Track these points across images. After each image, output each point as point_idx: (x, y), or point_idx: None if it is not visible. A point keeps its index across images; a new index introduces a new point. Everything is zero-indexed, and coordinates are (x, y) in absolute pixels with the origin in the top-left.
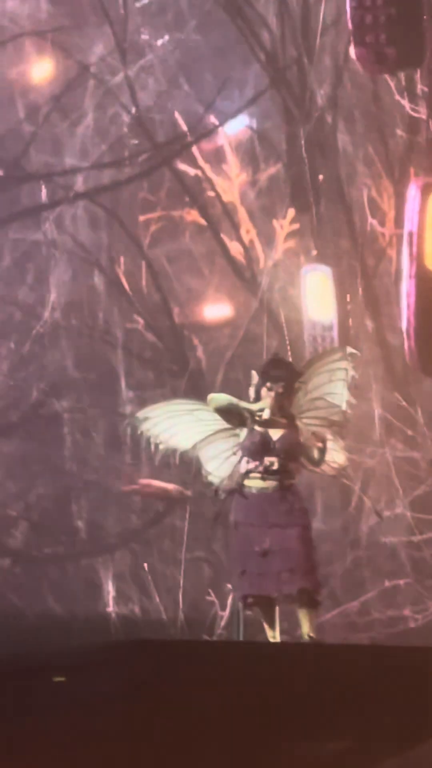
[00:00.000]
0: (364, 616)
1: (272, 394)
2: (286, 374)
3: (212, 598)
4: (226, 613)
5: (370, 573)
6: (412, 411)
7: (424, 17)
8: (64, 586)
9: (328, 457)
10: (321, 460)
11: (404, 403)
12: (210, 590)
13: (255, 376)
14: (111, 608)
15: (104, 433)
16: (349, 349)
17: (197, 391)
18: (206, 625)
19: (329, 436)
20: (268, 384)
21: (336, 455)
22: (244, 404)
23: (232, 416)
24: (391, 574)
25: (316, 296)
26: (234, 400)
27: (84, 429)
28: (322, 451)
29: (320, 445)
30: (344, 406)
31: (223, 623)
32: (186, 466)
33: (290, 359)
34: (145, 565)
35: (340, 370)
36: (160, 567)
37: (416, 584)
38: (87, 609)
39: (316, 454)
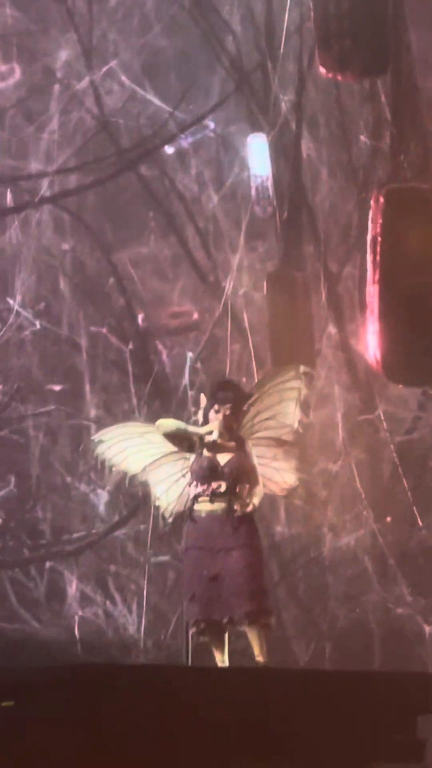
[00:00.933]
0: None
1: (220, 416)
2: (233, 396)
3: (175, 602)
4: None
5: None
6: (374, 416)
7: (389, 23)
8: (28, 590)
9: (278, 477)
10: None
11: (367, 407)
12: (173, 593)
13: (203, 400)
14: (74, 611)
15: (69, 436)
16: (302, 368)
17: (161, 395)
18: (169, 630)
19: (280, 456)
20: (216, 406)
21: (286, 475)
22: (192, 428)
23: (181, 441)
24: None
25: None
26: (182, 424)
27: (48, 432)
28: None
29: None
30: (295, 425)
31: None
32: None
33: (254, 364)
34: (110, 568)
35: (292, 390)
36: (123, 571)
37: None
38: (51, 612)
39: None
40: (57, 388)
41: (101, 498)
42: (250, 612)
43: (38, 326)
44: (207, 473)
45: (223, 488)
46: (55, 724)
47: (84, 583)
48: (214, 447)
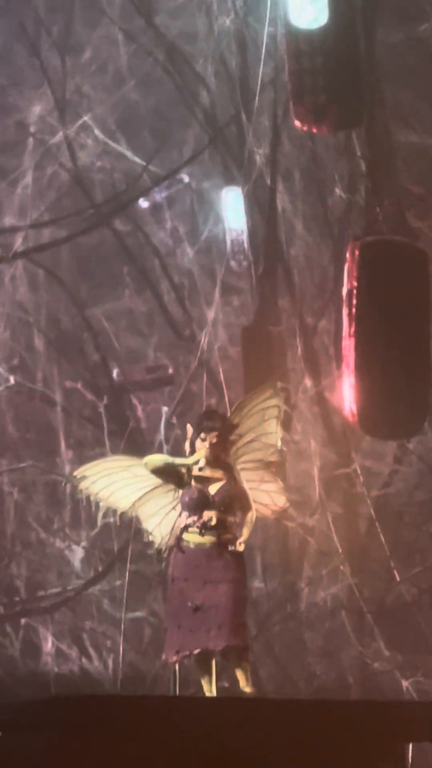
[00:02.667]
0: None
1: (206, 444)
2: (220, 425)
3: (151, 657)
4: (168, 674)
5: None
6: (351, 470)
7: (363, 77)
8: (3, 646)
9: (267, 500)
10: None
11: (343, 461)
12: (150, 650)
13: (190, 430)
14: (50, 668)
15: (43, 492)
16: (279, 384)
17: (137, 451)
18: (147, 685)
19: (267, 478)
20: (202, 435)
21: (276, 497)
22: (179, 460)
23: (170, 476)
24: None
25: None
26: (169, 458)
27: (23, 488)
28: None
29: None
30: (279, 444)
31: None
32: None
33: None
34: (85, 625)
35: (273, 408)
36: (99, 627)
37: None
38: (26, 669)
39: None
40: (31, 443)
41: (76, 554)
42: (230, 646)
43: (12, 381)
44: (197, 504)
45: (213, 521)
46: (42, 755)
47: (59, 639)
48: (203, 478)
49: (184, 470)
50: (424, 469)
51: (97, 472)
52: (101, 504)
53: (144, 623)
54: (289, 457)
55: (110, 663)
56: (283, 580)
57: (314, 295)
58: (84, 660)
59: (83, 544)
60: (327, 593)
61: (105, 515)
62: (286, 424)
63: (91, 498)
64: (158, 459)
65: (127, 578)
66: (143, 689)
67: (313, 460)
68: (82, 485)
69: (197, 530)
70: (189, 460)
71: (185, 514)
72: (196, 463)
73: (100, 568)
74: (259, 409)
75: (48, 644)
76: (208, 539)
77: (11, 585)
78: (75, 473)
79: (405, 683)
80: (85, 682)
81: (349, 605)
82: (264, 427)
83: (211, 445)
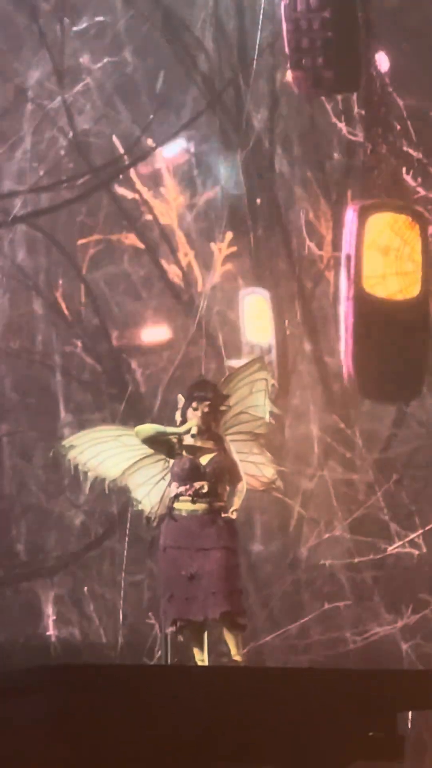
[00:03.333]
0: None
1: (198, 413)
2: (211, 394)
3: (152, 620)
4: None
5: (309, 595)
6: (350, 433)
7: (361, 41)
8: (4, 609)
9: (256, 471)
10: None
11: (342, 425)
12: (150, 613)
13: (181, 399)
14: (51, 632)
15: (43, 456)
16: (267, 358)
17: (136, 414)
18: (146, 648)
19: (255, 450)
20: (194, 404)
21: (264, 469)
22: (171, 429)
23: (161, 445)
24: (330, 596)
25: (254, 319)
26: (161, 427)
27: (23, 452)
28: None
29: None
30: (267, 417)
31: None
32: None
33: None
34: (85, 588)
35: (260, 381)
36: (99, 590)
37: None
38: (27, 633)
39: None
40: (30, 407)
41: (76, 518)
42: (225, 613)
43: (12, 346)
44: (189, 474)
45: (206, 489)
46: (35, 725)
47: (59, 602)
48: (194, 448)
49: (175, 440)
50: (423, 432)
51: (86, 442)
52: (89, 474)
53: (144, 586)
54: (288, 420)
55: (110, 625)
56: (282, 543)
57: (313, 259)
58: (84, 622)
59: (83, 507)
60: (326, 556)
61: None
62: (273, 398)
63: (80, 468)
64: (149, 428)
65: (126, 541)
66: (143, 651)
67: (312, 424)
68: (70, 455)
69: (189, 498)
70: (181, 429)
71: (175, 484)
72: (188, 431)
73: (100, 532)
74: (246, 382)
75: (48, 607)
76: (200, 506)
77: (11, 548)
78: (63, 442)
79: (404, 645)
80: (85, 645)
81: (348, 568)
82: (252, 399)
83: (203, 414)
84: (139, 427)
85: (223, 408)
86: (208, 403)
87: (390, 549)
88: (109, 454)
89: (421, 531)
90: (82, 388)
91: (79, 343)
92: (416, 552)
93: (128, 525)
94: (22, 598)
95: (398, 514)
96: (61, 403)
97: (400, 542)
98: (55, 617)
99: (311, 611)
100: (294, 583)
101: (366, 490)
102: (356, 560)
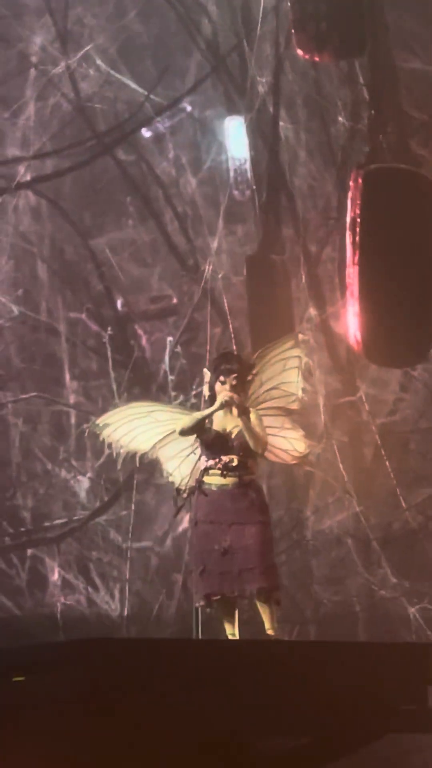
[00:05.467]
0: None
1: (227, 386)
2: (237, 366)
3: (159, 589)
4: (174, 604)
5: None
6: (355, 399)
7: (365, 4)
8: (10, 576)
9: (288, 445)
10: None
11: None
12: (156, 580)
13: (207, 374)
14: (57, 598)
15: (48, 423)
16: (301, 336)
17: (141, 380)
18: (153, 617)
19: (287, 425)
20: (221, 378)
21: (296, 443)
22: (206, 411)
23: (199, 430)
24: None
25: None
26: (197, 414)
27: (28, 419)
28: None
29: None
30: (300, 394)
31: (172, 615)
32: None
33: (234, 348)
34: (93, 554)
35: (294, 358)
36: (105, 557)
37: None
38: (33, 600)
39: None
40: (36, 374)
41: (82, 484)
42: (262, 588)
43: (16, 313)
44: (218, 447)
45: (235, 462)
46: (65, 697)
47: (66, 570)
48: (223, 421)
49: (208, 421)
50: (429, 396)
51: (119, 420)
52: (122, 450)
53: (150, 553)
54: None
55: (117, 593)
56: (289, 509)
57: (318, 224)
58: (90, 590)
59: (89, 474)
60: (333, 521)
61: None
62: (307, 375)
63: (113, 445)
64: (187, 420)
65: (133, 508)
66: (149, 619)
67: (318, 389)
68: (105, 433)
69: (219, 472)
70: (213, 409)
71: (204, 457)
72: (222, 404)
73: (105, 498)
74: (280, 359)
75: (54, 575)
76: (230, 480)
77: (17, 516)
78: (97, 421)
79: (411, 610)
80: (91, 612)
81: (355, 533)
82: (284, 376)
83: (232, 387)
84: (180, 427)
85: (249, 378)
86: (235, 375)
87: (397, 513)
88: (141, 430)
89: (427, 495)
90: (87, 355)
91: (85, 310)
92: (422, 516)
93: (134, 492)
94: (28, 565)
95: (405, 479)
96: (66, 370)
97: (407, 505)
98: (60, 584)
99: (318, 577)
100: (301, 549)
101: (373, 456)
102: (363, 525)
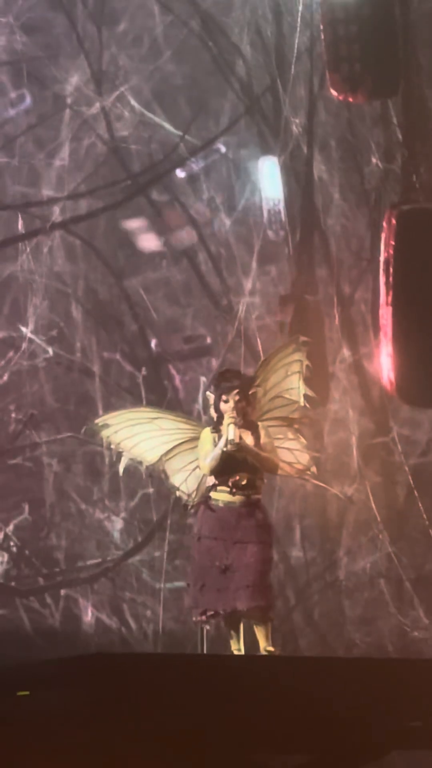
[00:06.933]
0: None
1: (230, 404)
2: (238, 382)
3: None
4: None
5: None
6: (388, 439)
7: (399, 46)
8: (44, 616)
9: (291, 458)
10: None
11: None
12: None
13: (210, 396)
14: (90, 638)
15: (82, 463)
16: (302, 338)
17: None
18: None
19: (290, 436)
20: (223, 396)
21: (300, 456)
22: (221, 442)
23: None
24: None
25: None
26: (216, 452)
27: (62, 459)
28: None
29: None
30: (302, 402)
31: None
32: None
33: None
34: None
35: (296, 363)
36: (139, 598)
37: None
38: (66, 640)
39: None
40: (70, 414)
41: (116, 525)
42: (254, 607)
43: (51, 353)
44: (229, 466)
45: (245, 481)
46: (70, 713)
47: (99, 610)
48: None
49: (216, 434)
50: None
51: (120, 422)
52: (123, 455)
53: (183, 593)
54: (326, 426)
55: (150, 633)
56: (321, 549)
57: (351, 264)
58: (124, 630)
59: (122, 514)
60: (366, 562)
61: (143, 486)
62: (308, 381)
63: (113, 447)
64: (212, 461)
65: (166, 548)
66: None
67: (351, 429)
68: (104, 433)
69: (227, 489)
70: (225, 438)
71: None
72: (230, 441)
73: (139, 539)
74: (282, 365)
75: (88, 615)
76: (238, 498)
77: (51, 556)
78: (97, 420)
79: None
80: (125, 651)
81: (387, 573)
82: (287, 383)
83: (236, 403)
84: (203, 462)
85: (252, 391)
86: (236, 390)
87: (430, 553)
88: (145, 437)
89: None
90: (121, 395)
91: (119, 350)
92: None
93: (167, 532)
94: (61, 605)
95: None
96: (100, 410)
97: None
98: (94, 624)
99: (351, 618)
100: (333, 589)
101: (406, 496)
102: (396, 565)
